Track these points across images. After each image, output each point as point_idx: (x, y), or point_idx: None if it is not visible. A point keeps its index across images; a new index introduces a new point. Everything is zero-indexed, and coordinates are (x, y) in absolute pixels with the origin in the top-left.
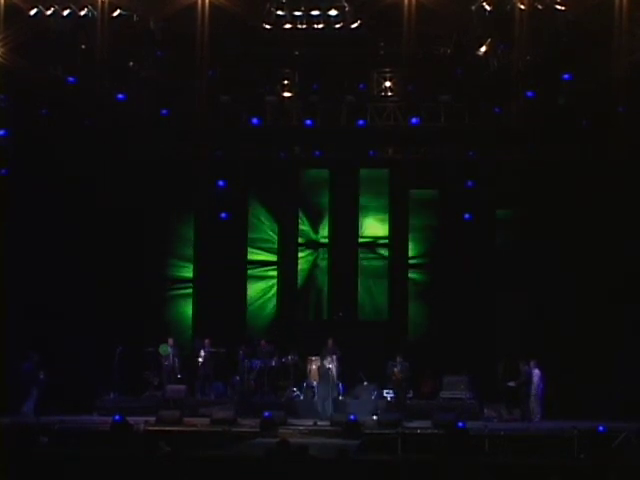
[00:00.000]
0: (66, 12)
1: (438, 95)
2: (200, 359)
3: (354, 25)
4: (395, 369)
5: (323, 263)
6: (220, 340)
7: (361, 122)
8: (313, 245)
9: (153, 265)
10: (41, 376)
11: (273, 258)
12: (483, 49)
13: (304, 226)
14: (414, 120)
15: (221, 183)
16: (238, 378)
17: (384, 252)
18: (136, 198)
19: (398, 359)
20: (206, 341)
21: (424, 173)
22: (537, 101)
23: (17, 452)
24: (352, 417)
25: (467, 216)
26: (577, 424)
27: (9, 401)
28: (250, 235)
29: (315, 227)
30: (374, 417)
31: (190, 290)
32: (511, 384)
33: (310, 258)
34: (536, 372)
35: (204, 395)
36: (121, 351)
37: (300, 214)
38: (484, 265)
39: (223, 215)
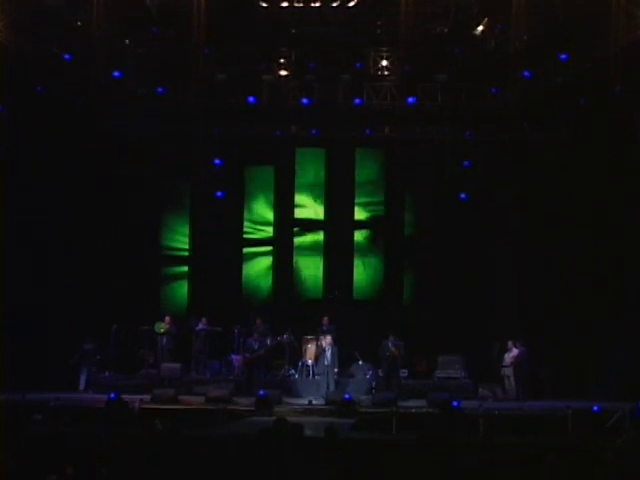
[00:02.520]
0: None
1: (435, 74)
2: (195, 337)
3: (351, 3)
4: (391, 346)
5: (319, 241)
6: (216, 319)
7: (357, 101)
8: (309, 224)
9: (149, 243)
10: (98, 357)
11: (269, 237)
12: (480, 28)
13: (300, 205)
14: (410, 99)
15: (217, 162)
16: (238, 356)
17: (379, 231)
18: (132, 177)
19: (391, 338)
20: (202, 319)
21: (420, 153)
22: (534, 81)
23: (12, 430)
24: (347, 396)
25: (463, 196)
26: (571, 404)
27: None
28: (246, 214)
29: (311, 206)
30: (369, 396)
31: (186, 268)
32: (506, 364)
33: (306, 236)
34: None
35: (199, 373)
36: (116, 329)
37: (296, 193)
38: (480, 245)
39: (219, 194)
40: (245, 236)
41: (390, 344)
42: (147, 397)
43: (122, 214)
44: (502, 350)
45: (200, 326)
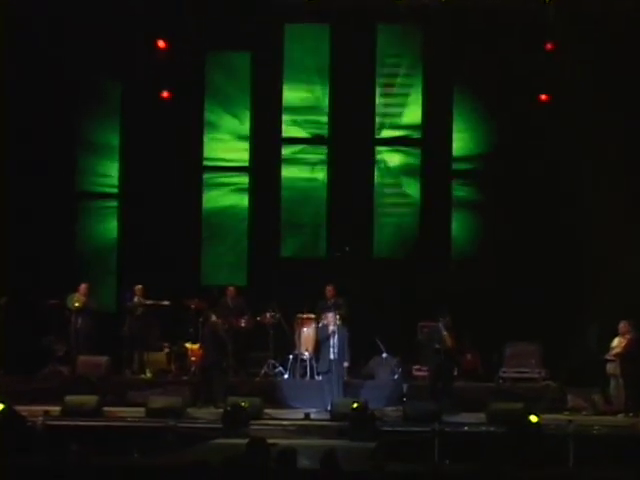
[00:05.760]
0: None
1: None
2: (129, 317)
3: None
4: (443, 332)
5: (321, 169)
6: (160, 288)
7: None
8: (305, 140)
9: (57, 171)
10: None
11: (243, 160)
12: None
13: (291, 111)
14: None
15: (161, 43)
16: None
17: (415, 152)
18: (35, 68)
19: (443, 320)
20: (138, 289)
21: (476, 31)
22: None
23: None
24: (363, 407)
25: (543, 96)
26: None
27: None
28: (208, 122)
29: (308, 112)
30: (398, 407)
31: (114, 209)
32: (610, 357)
33: (301, 161)
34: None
35: (136, 372)
36: (6, 303)
37: (285, 91)
38: (569, 171)
39: (165, 92)
40: (206, 160)
41: (443, 329)
42: (56, 408)
43: (21, 122)
44: (603, 336)
45: (135, 299)
